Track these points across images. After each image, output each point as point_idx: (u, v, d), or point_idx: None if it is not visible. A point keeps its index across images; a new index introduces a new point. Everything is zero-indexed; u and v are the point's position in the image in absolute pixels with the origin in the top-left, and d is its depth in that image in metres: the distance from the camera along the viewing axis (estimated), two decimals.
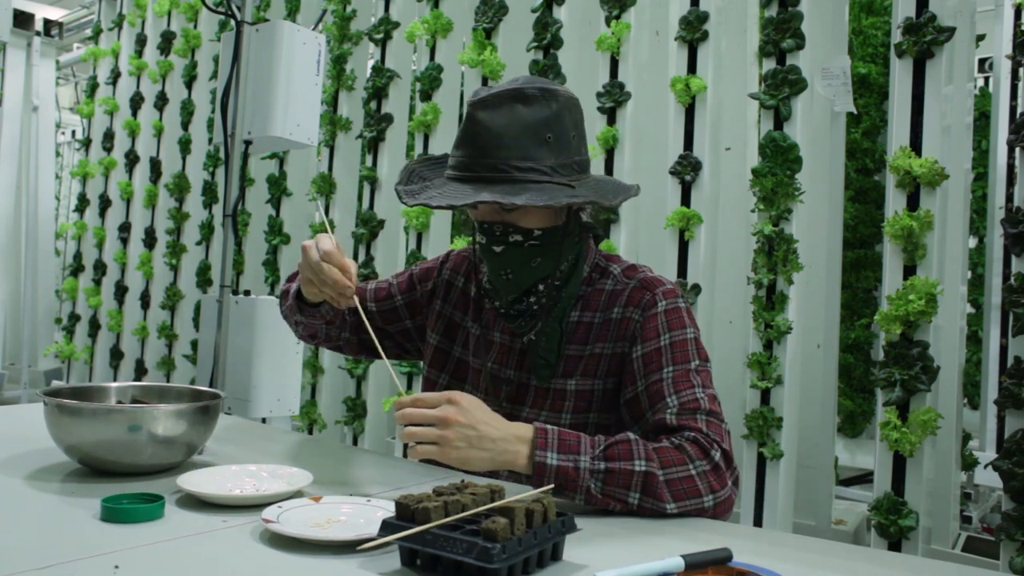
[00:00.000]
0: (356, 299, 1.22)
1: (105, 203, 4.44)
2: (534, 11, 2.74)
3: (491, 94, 1.18)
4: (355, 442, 3.08)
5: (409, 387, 2.85)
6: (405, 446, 1.08)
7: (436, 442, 1.05)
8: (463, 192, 1.14)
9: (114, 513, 0.95)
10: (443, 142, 2.91)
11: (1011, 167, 2.99)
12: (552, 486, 0.99)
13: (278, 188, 3.50)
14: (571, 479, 1.05)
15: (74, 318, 4.60)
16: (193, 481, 1.08)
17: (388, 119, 3.12)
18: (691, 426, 1.13)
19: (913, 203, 2.03)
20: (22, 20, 4.66)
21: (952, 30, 2.01)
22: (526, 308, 1.27)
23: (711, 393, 1.19)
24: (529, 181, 1.14)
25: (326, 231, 1.24)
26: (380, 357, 1.41)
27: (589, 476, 1.06)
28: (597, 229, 1.34)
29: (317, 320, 1.37)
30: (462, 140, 1.18)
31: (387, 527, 0.84)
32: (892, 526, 1.98)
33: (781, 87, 2.23)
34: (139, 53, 4.35)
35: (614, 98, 2.55)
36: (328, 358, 3.22)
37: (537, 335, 1.27)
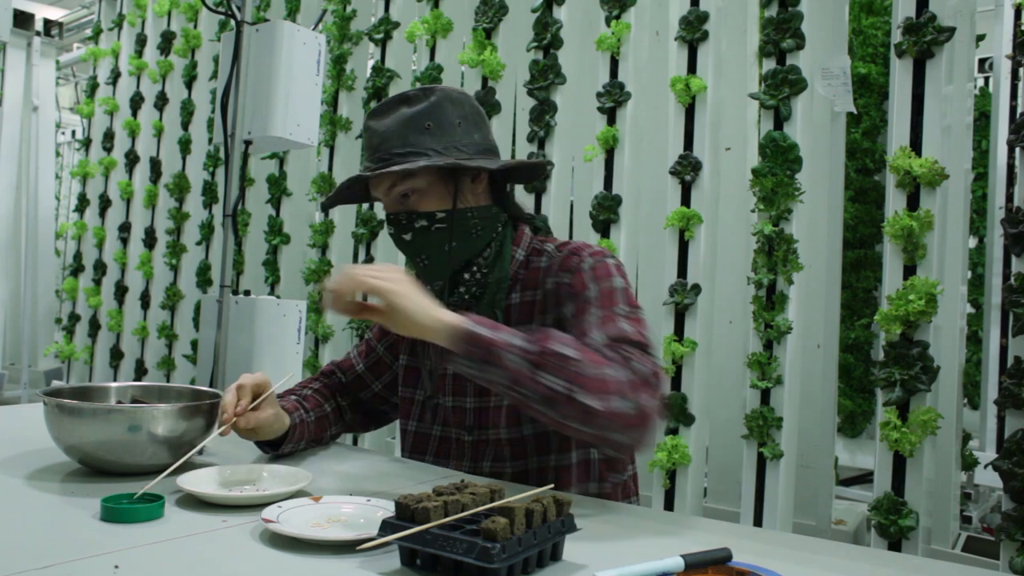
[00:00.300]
0: (228, 429, 1.21)
1: (105, 203, 4.44)
2: (534, 11, 2.74)
3: (381, 104, 1.29)
4: (355, 442, 3.08)
5: None
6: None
7: (385, 279, 1.05)
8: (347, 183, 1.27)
9: (114, 513, 0.95)
10: None
11: (1011, 167, 2.99)
12: (551, 485, 0.99)
13: (278, 188, 3.50)
14: (496, 355, 1.02)
15: (74, 318, 4.60)
16: (193, 481, 1.08)
17: None
18: (621, 352, 1.09)
19: (913, 203, 2.03)
20: (22, 20, 4.65)
21: (952, 30, 2.01)
22: (458, 300, 1.29)
23: (640, 330, 1.15)
24: (407, 161, 1.21)
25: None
26: (388, 422, 1.53)
27: (519, 353, 1.02)
28: (533, 218, 1.37)
29: (298, 446, 1.36)
30: (362, 150, 1.27)
31: (387, 527, 0.84)
32: (892, 526, 1.98)
33: (781, 87, 2.23)
34: (139, 53, 4.35)
35: (614, 98, 2.55)
36: (328, 358, 3.22)
37: None
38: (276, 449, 1.32)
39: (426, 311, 1.05)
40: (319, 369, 3.19)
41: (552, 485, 1.00)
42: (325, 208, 1.35)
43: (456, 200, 1.25)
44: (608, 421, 1.02)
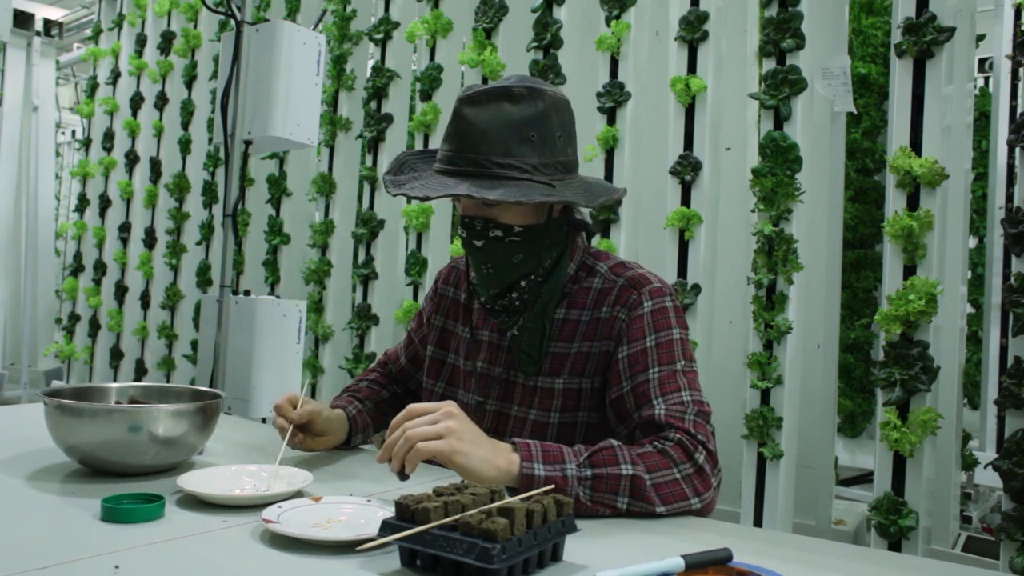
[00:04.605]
0: (288, 429, 1.29)
1: (105, 203, 4.44)
2: (534, 11, 2.74)
3: (479, 91, 1.19)
4: None
5: None
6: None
7: (442, 435, 1.02)
8: (443, 184, 1.16)
9: (114, 513, 0.95)
10: None
11: (1011, 167, 2.99)
12: (552, 486, 0.99)
13: (278, 188, 3.50)
14: (560, 489, 1.04)
15: (74, 318, 4.60)
16: (193, 481, 1.08)
17: (388, 119, 3.11)
18: (679, 426, 1.14)
19: (913, 203, 2.03)
20: (22, 20, 4.65)
21: (952, 30, 2.01)
22: (509, 304, 1.29)
23: (698, 396, 1.20)
24: (508, 178, 1.15)
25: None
26: None
27: (577, 484, 1.06)
28: (591, 227, 1.34)
29: (368, 434, 1.45)
30: (449, 135, 1.21)
31: (387, 527, 0.84)
32: (892, 526, 1.98)
33: (781, 87, 2.23)
34: (139, 53, 4.35)
35: (614, 98, 2.55)
36: (328, 358, 3.22)
37: (520, 330, 1.29)
38: (348, 444, 1.40)
39: (486, 464, 1.04)
40: (320, 369, 3.21)
41: (553, 486, 1.00)
42: (393, 192, 1.24)
43: (549, 219, 1.24)
44: (673, 517, 1.10)
